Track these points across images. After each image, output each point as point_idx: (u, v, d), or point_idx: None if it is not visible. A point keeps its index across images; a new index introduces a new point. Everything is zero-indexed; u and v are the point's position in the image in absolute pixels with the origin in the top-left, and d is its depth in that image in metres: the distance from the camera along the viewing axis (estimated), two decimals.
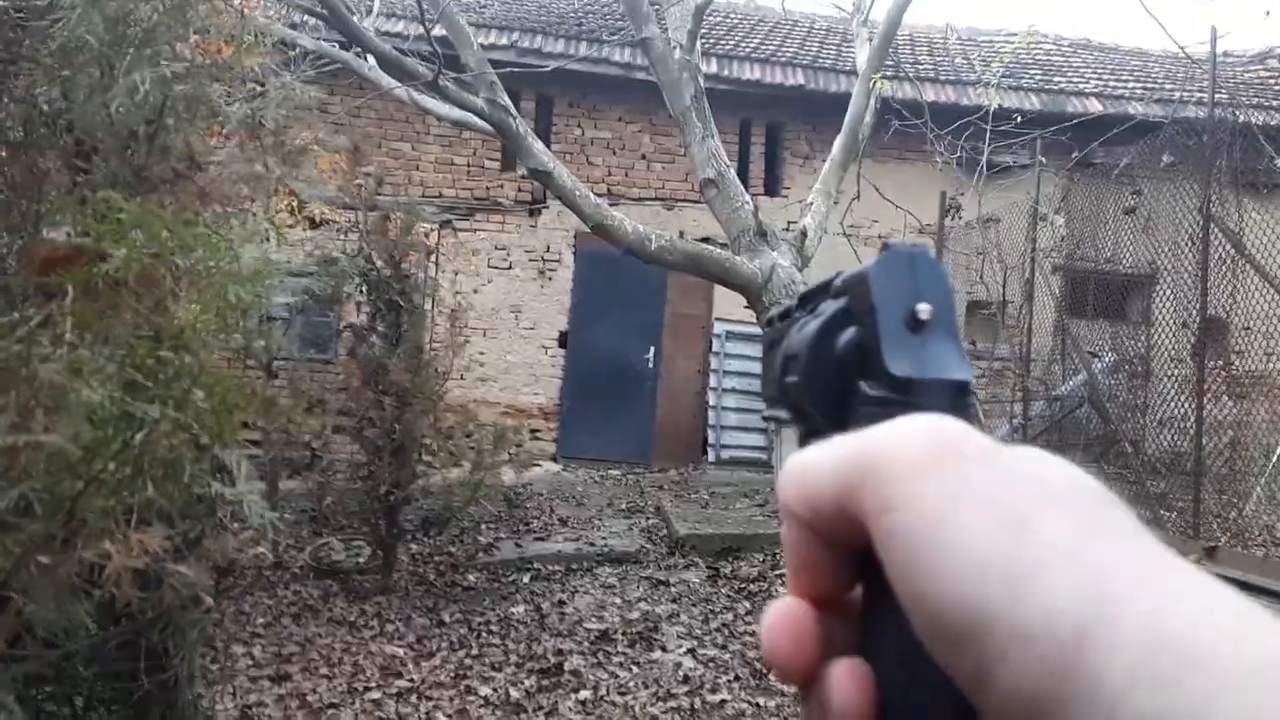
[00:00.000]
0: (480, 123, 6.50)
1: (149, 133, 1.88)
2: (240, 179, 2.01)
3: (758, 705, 4.41)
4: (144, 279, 1.46)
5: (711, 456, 10.11)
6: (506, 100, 6.01)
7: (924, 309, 0.31)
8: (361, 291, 6.58)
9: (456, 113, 7.17)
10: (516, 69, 8.67)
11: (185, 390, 1.49)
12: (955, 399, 0.31)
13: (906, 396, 0.30)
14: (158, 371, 1.48)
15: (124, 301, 1.45)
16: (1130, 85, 11.30)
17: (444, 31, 6.03)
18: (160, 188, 1.86)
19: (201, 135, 2.06)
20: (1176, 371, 5.46)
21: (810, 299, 0.37)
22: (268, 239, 2.13)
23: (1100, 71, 11.77)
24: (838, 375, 0.33)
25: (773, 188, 10.86)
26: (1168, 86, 11.01)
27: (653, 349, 10.57)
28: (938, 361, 0.31)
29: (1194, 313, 5.00)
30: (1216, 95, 5.25)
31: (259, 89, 2.79)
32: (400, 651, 5.04)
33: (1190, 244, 5.15)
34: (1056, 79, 11.17)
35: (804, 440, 0.35)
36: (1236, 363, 5.63)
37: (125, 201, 1.49)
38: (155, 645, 2.67)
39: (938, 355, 0.31)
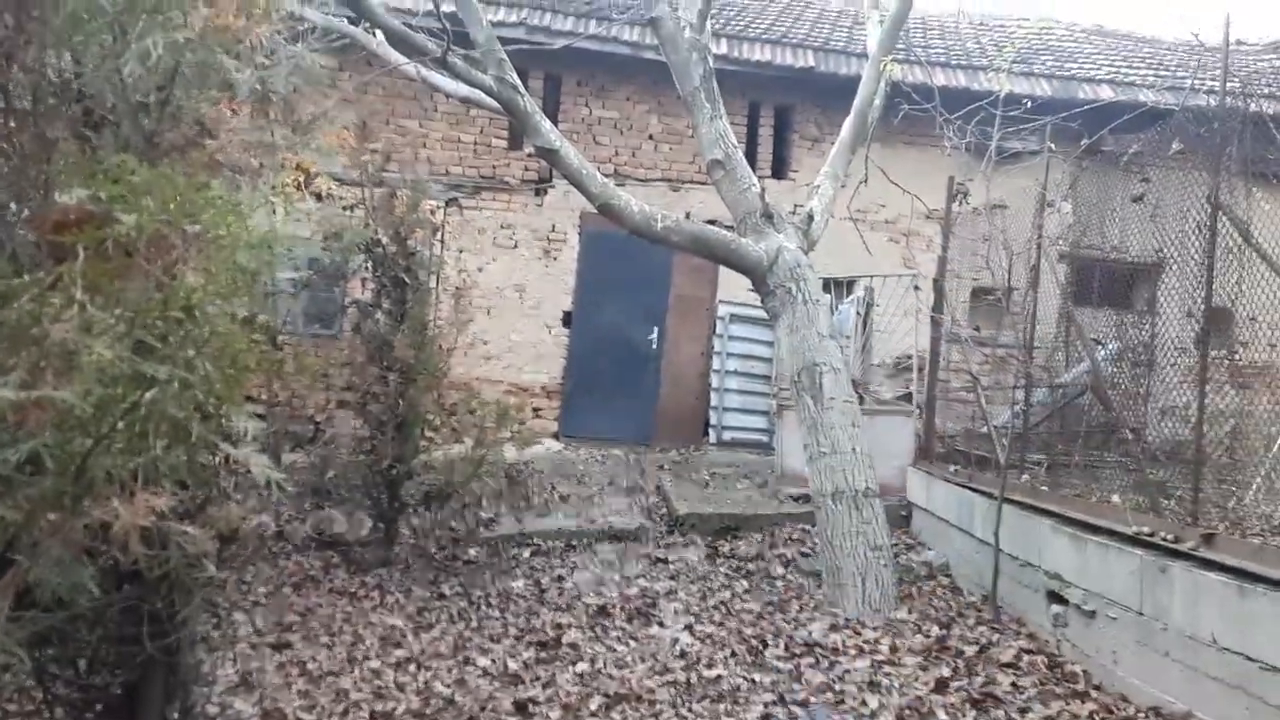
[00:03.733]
0: (488, 100, 6.49)
1: (160, 99, 1.90)
2: (250, 147, 2.02)
3: (753, 680, 4.45)
4: (154, 243, 1.48)
5: (713, 437, 10.12)
6: (515, 78, 6.00)
7: None
8: (367, 268, 6.59)
9: (464, 90, 7.15)
10: (525, 47, 8.65)
11: (194, 352, 1.51)
12: None
13: None
14: (167, 334, 1.50)
15: (135, 265, 1.46)
16: (1142, 72, 11.21)
17: (453, 8, 6.01)
18: (171, 154, 1.88)
19: (212, 102, 2.07)
20: (1180, 361, 5.45)
21: None
22: (275, 209, 2.14)
23: (1113, 58, 11.68)
24: None
25: (780, 170, 10.83)
26: (1180, 74, 10.93)
27: (656, 330, 10.58)
28: None
29: (1199, 302, 4.99)
30: (1229, 83, 5.20)
31: (268, 61, 2.79)
32: (400, 622, 5.09)
33: (1197, 233, 5.13)
34: (1068, 65, 11.09)
35: None
36: (1240, 353, 5.62)
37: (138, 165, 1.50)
38: (158, 611, 2.71)
39: None
